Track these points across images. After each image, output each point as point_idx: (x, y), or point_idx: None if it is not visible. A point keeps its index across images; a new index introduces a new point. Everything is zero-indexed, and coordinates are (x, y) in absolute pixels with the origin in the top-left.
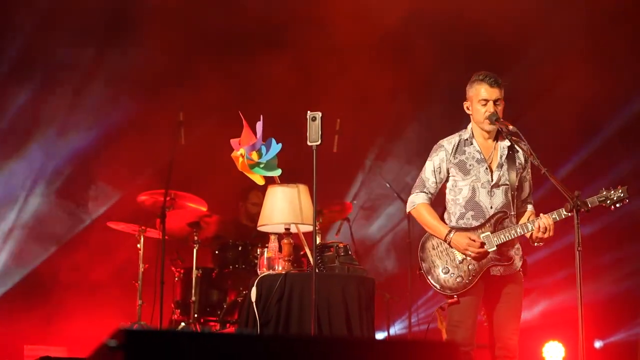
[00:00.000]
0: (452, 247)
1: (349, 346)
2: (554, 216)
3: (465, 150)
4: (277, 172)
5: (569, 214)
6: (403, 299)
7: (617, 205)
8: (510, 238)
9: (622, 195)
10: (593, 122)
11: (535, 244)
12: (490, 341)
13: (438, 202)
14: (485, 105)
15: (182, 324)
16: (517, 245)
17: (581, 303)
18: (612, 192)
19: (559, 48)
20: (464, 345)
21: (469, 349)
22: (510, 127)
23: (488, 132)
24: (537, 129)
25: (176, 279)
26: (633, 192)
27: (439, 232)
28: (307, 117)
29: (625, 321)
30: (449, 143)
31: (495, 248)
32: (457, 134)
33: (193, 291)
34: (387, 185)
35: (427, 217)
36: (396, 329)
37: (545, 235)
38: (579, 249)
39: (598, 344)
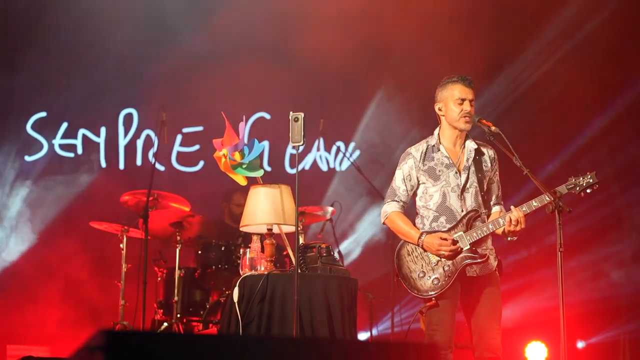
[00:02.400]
0: (425, 251)
1: (330, 347)
2: (524, 208)
3: (433, 157)
4: (260, 173)
5: (539, 204)
6: (386, 299)
7: (588, 191)
8: (483, 235)
9: (591, 180)
10: (576, 122)
11: (509, 238)
12: (472, 342)
13: (409, 210)
14: (461, 104)
15: (165, 324)
16: (491, 245)
17: (563, 303)
18: (581, 178)
19: (547, 49)
20: (443, 349)
21: (447, 352)
22: (493, 127)
23: (461, 131)
24: (520, 130)
25: (159, 279)
26: (616, 193)
27: (411, 237)
28: (290, 117)
29: (607, 322)
30: (416, 150)
31: (468, 246)
32: (424, 140)
33: (176, 291)
34: (370, 184)
35: (399, 224)
36: (379, 330)
37: (517, 228)
38: (560, 249)
39: (581, 345)
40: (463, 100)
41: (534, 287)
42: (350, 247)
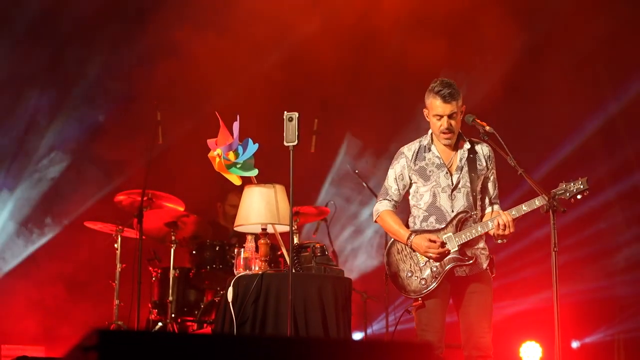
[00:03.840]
0: (414, 251)
1: (324, 346)
2: (512, 213)
3: (425, 157)
4: (254, 173)
5: (527, 209)
6: (381, 298)
7: (578, 197)
8: (471, 237)
9: (582, 187)
10: (571, 122)
11: (498, 241)
12: (461, 341)
13: (402, 208)
14: (439, 120)
15: (159, 324)
16: (483, 245)
17: (557, 303)
18: (572, 184)
19: (539, 47)
20: (434, 348)
21: (438, 352)
22: (487, 127)
23: (445, 145)
24: (514, 129)
25: (153, 279)
26: (612, 194)
27: (401, 236)
28: (284, 117)
29: (602, 321)
30: (409, 150)
31: (457, 248)
32: (417, 140)
33: (170, 291)
34: (364, 184)
35: (389, 223)
36: (374, 329)
37: (506, 232)
38: (555, 249)
39: (575, 344)
40: (441, 116)
41: (529, 286)
42: (345, 247)
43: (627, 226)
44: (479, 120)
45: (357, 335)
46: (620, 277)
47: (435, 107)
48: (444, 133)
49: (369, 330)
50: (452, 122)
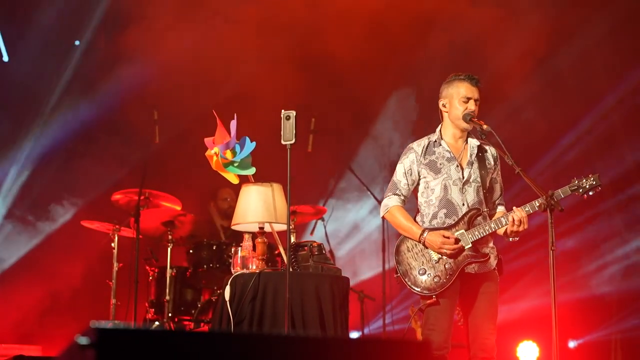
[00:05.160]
0: (427, 248)
1: (322, 345)
2: (527, 208)
3: (434, 151)
4: (251, 171)
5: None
6: (379, 298)
7: (590, 193)
8: (485, 234)
9: (594, 183)
10: (568, 119)
11: (511, 239)
12: (467, 341)
13: (410, 207)
14: (466, 102)
15: (156, 323)
16: (492, 244)
17: (555, 303)
18: (584, 180)
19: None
20: (439, 349)
21: (444, 352)
22: (485, 126)
23: (462, 131)
24: (510, 128)
25: (150, 278)
26: (610, 192)
27: (413, 233)
28: (282, 116)
29: (599, 321)
30: (418, 145)
31: (470, 245)
32: (425, 137)
33: (167, 290)
34: (362, 183)
35: (400, 220)
36: (371, 329)
37: (520, 228)
38: (552, 248)
39: (572, 344)
40: (468, 99)
41: (527, 286)
42: (342, 246)
43: (625, 226)
44: (475, 119)
45: (354, 335)
46: (618, 276)
47: (463, 91)
48: (464, 118)
49: (366, 330)
50: (477, 108)
